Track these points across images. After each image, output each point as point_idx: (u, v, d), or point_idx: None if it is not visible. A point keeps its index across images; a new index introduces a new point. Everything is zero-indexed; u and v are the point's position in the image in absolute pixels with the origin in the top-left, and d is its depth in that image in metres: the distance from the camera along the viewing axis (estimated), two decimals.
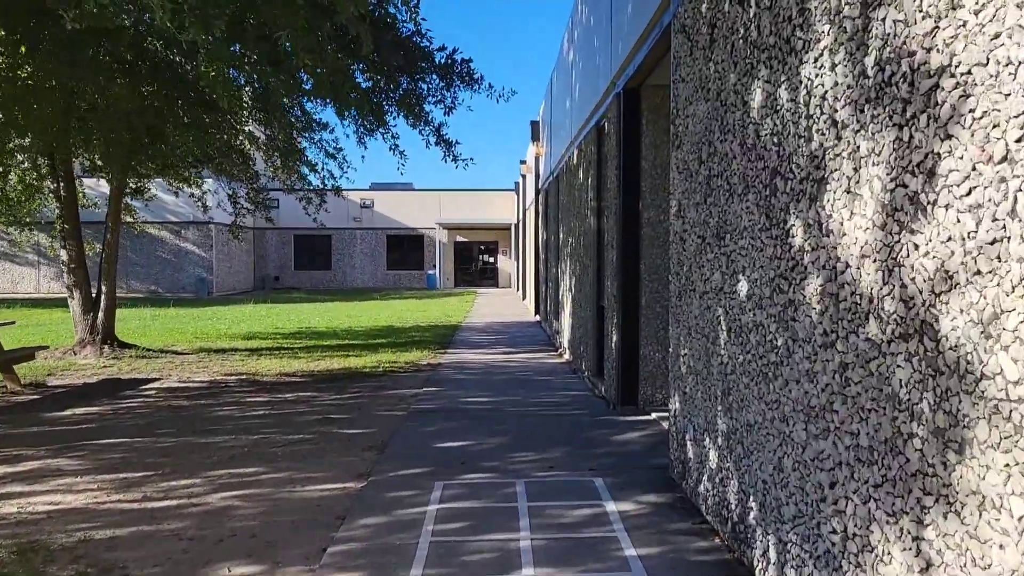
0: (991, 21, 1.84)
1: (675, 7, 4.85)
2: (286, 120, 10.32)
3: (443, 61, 9.48)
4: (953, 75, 1.98)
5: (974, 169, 1.89)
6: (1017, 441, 1.74)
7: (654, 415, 6.94)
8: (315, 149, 12.50)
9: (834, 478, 2.63)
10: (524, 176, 24.22)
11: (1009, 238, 1.77)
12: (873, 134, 2.38)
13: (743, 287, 3.59)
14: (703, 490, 4.26)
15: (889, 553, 2.27)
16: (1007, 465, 1.77)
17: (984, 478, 1.84)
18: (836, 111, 2.63)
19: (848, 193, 2.54)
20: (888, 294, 2.28)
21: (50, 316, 19.37)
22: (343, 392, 8.58)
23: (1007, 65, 1.78)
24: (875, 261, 2.36)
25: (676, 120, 4.89)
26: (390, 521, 4.24)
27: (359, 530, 4.11)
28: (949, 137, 1.99)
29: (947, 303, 1.99)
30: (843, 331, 2.57)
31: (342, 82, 6.59)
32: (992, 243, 1.83)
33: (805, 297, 2.87)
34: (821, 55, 2.75)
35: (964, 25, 1.94)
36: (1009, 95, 1.77)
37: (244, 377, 9.72)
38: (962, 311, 1.93)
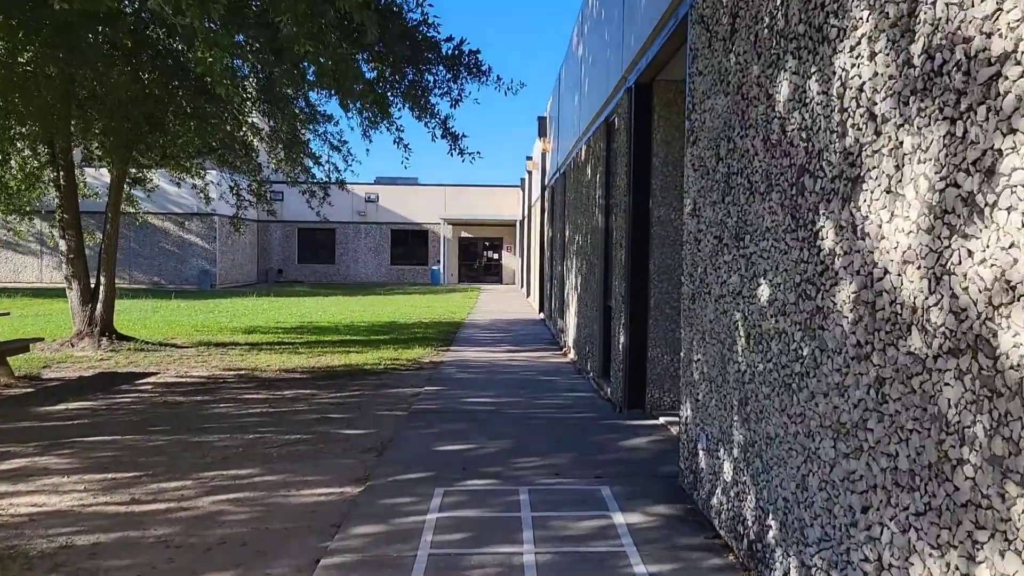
0: None
1: None
2: (290, 111, 10.13)
3: (450, 52, 9.25)
4: (1019, 62, 1.77)
5: None
6: None
7: (662, 420, 6.74)
8: (319, 141, 12.30)
9: (867, 502, 2.43)
10: (530, 172, 24.00)
11: None
12: (919, 128, 2.17)
13: (764, 291, 3.38)
14: (716, 503, 4.06)
15: None
16: None
17: None
18: (875, 104, 2.42)
19: (888, 193, 2.33)
20: (935, 304, 2.07)
21: (50, 307, 19.21)
22: (343, 390, 8.39)
23: None
24: (920, 268, 2.15)
25: (692, 115, 4.68)
26: (387, 530, 4.05)
27: (354, 540, 3.92)
28: (1013, 132, 1.78)
29: (1008, 316, 1.78)
30: (880, 343, 2.36)
31: (345, 71, 6.37)
32: None
33: (836, 304, 2.67)
34: (858, 43, 2.54)
35: None
36: None
37: (243, 372, 9.53)
38: None
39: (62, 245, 11.89)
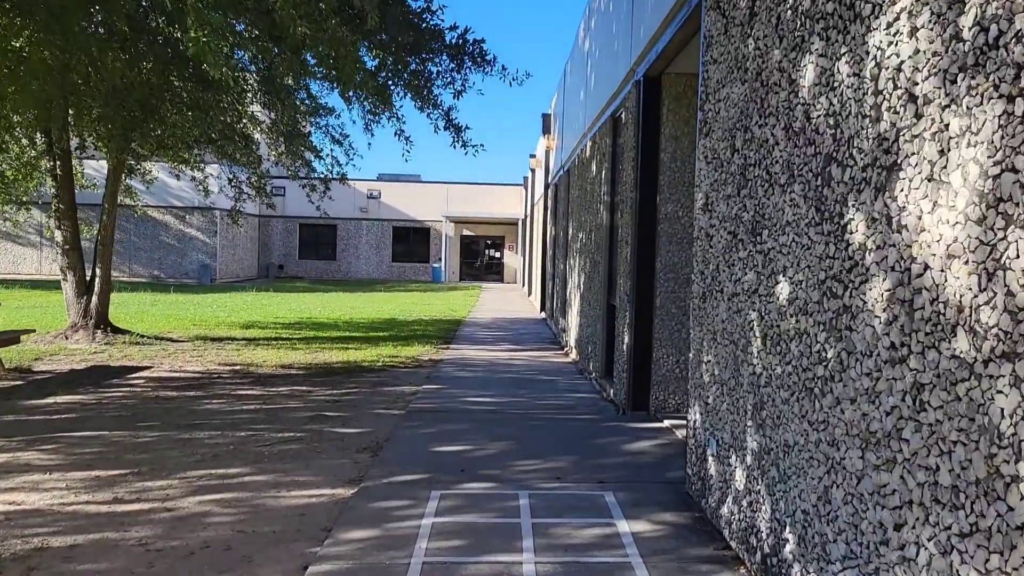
0: None
1: None
2: (291, 102, 9.91)
3: (454, 41, 9.03)
4: None
5: None
6: None
7: (667, 422, 6.53)
8: (321, 134, 12.08)
9: (901, 518, 2.22)
10: (533, 170, 23.80)
11: None
12: (969, 109, 1.96)
13: (783, 289, 3.17)
14: (726, 512, 3.85)
15: None
16: None
17: None
18: (916, 84, 2.21)
19: (930, 181, 2.12)
20: (987, 303, 1.86)
21: (48, 299, 19.03)
22: (340, 387, 8.19)
23: None
24: (968, 263, 1.94)
25: (705, 106, 4.47)
26: (380, 536, 3.84)
27: (345, 546, 3.71)
28: None
29: None
30: (918, 345, 2.15)
31: (345, 57, 6.15)
32: None
33: (866, 303, 2.46)
34: (897, 19, 2.33)
35: None
36: None
37: (238, 368, 9.33)
38: None
39: (58, 236, 11.69)
